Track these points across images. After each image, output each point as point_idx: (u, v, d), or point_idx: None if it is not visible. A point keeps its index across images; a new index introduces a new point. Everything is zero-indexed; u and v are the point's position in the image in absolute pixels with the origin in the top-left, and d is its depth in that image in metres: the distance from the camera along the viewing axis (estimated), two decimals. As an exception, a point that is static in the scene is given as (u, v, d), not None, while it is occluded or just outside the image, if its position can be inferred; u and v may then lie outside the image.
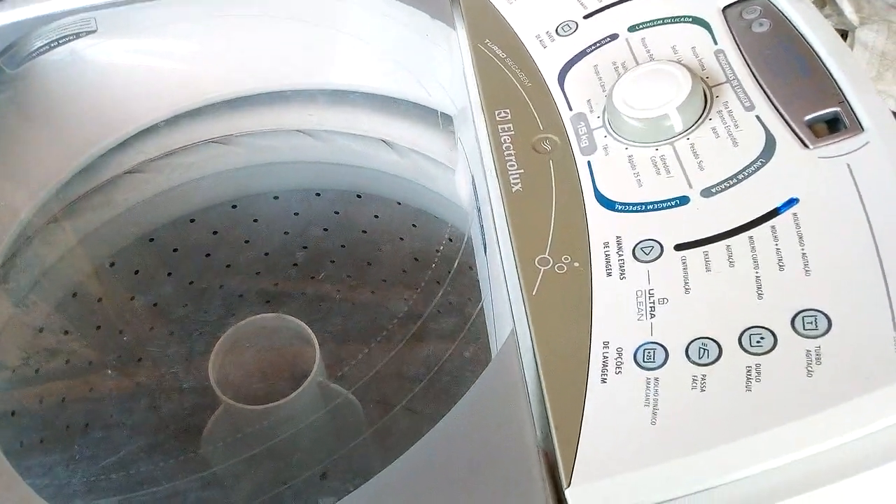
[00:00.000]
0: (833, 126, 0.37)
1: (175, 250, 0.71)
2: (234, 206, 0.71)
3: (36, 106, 0.54)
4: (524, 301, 0.36)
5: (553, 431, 0.31)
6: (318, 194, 0.72)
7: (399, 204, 0.70)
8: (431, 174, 0.60)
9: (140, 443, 0.50)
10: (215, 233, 0.72)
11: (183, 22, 0.55)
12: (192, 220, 0.70)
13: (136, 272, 0.68)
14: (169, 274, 0.72)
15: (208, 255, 0.73)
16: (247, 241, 0.75)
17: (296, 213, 0.74)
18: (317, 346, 0.52)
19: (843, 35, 1.02)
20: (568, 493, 0.29)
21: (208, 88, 0.59)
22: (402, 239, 0.74)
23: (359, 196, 0.71)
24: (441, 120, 0.55)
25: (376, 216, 0.72)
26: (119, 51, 0.56)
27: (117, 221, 0.62)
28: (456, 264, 0.50)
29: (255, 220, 0.73)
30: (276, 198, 0.72)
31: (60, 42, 0.53)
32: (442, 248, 0.58)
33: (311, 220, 0.75)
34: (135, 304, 0.67)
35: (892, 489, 0.28)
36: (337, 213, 0.73)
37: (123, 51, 0.56)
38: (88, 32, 0.54)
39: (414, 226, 0.71)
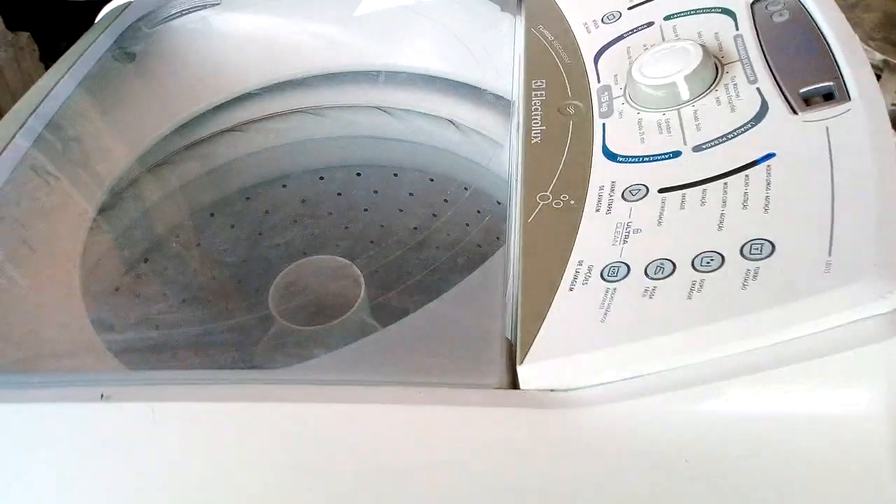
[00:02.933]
0: (829, 99, 0.40)
1: (266, 212, 0.80)
2: (321, 178, 0.80)
3: (163, 59, 0.65)
4: (520, 227, 0.41)
5: (518, 324, 0.36)
6: (395, 174, 0.79)
7: (466, 189, 0.76)
8: (489, 154, 0.66)
9: (206, 341, 0.58)
10: (303, 201, 0.81)
11: (288, 2, 0.65)
12: (284, 186, 0.79)
13: (232, 226, 0.78)
14: (259, 234, 0.81)
15: (295, 220, 0.82)
16: (330, 213, 0.83)
17: (375, 192, 0.82)
18: (363, 283, 0.58)
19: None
20: (519, 369, 0.34)
21: (306, 63, 0.68)
22: (467, 225, 0.80)
23: (431, 180, 0.78)
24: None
25: (445, 200, 0.79)
26: (236, 23, 0.66)
27: (218, 173, 0.72)
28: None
29: (339, 194, 0.82)
30: (358, 174, 0.80)
31: (191, 10, 0.64)
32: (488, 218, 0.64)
33: (389, 199, 0.82)
34: (224, 252, 0.76)
35: (803, 387, 0.30)
36: (412, 194, 0.80)
37: (239, 23, 0.66)
38: (213, 5, 0.65)
39: (478, 212, 0.77)
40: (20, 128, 0.56)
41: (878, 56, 1.09)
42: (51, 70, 0.62)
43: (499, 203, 0.62)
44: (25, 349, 0.42)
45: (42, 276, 0.51)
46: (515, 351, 0.35)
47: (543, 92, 0.49)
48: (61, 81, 0.59)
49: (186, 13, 0.65)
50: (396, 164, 0.77)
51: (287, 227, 0.80)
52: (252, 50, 0.66)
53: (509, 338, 0.36)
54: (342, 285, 0.61)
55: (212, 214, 0.76)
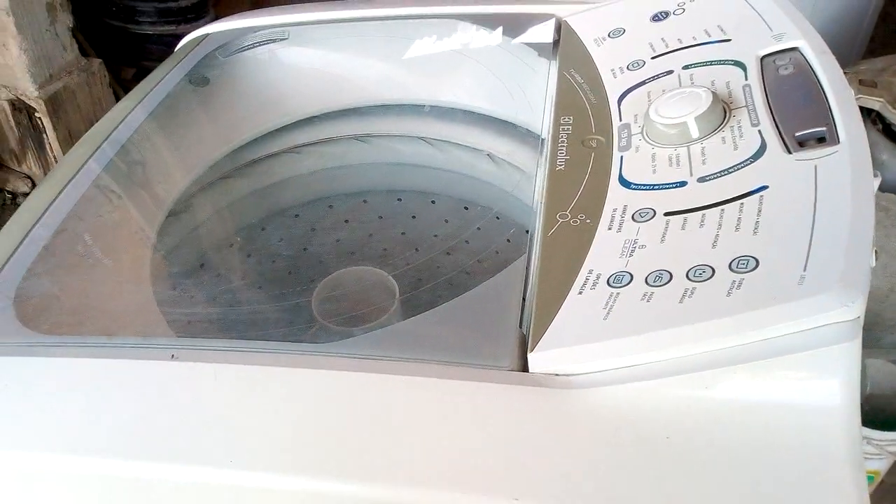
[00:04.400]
0: (821, 142, 0.45)
1: (313, 229, 0.86)
2: (364, 201, 0.87)
3: (234, 85, 0.72)
4: (540, 240, 0.46)
5: (532, 319, 0.41)
6: (433, 202, 0.86)
7: (498, 218, 0.82)
8: (522, 185, 0.72)
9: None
10: (347, 221, 0.88)
11: (347, 39, 0.72)
12: (331, 206, 0.86)
13: (280, 240, 0.85)
14: (304, 249, 0.87)
15: (338, 240, 0.88)
16: (371, 235, 0.89)
17: (413, 217, 0.88)
18: (397, 292, 0.64)
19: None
20: (530, 356, 0.39)
21: (360, 94, 0.75)
22: (497, 253, 0.85)
23: (466, 208, 0.84)
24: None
25: (478, 228, 0.85)
26: (300, 56, 0.74)
27: (272, 190, 0.79)
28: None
29: (380, 217, 0.88)
30: (399, 199, 0.87)
31: (261, 44, 0.72)
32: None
33: (427, 225, 0.88)
34: (276, 259, 0.83)
35: (775, 379, 0.35)
36: (447, 221, 0.86)
37: (303, 56, 0.74)
38: (281, 39, 0.72)
39: (508, 241, 0.82)
40: (96, 150, 0.61)
41: (905, 119, 1.13)
42: (131, 93, 0.70)
43: (527, 232, 0.67)
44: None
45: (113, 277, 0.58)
46: (528, 341, 0.40)
47: (570, 127, 0.55)
48: (138, 106, 0.66)
49: (257, 46, 0.73)
50: (435, 192, 0.83)
51: (330, 244, 0.87)
52: (312, 80, 0.74)
53: (523, 330, 0.41)
54: (378, 294, 0.67)
55: (263, 228, 0.83)
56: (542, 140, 0.56)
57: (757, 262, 0.38)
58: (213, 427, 0.38)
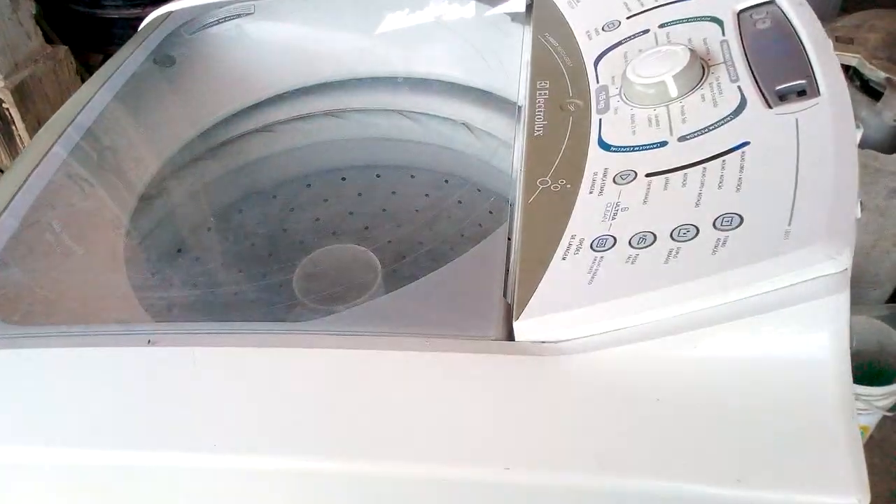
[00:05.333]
0: (802, 95, 0.44)
1: (291, 209, 0.85)
2: (343, 179, 0.85)
3: (201, 63, 0.70)
4: (521, 207, 0.45)
5: (516, 287, 0.40)
6: (412, 176, 0.84)
7: (479, 190, 0.81)
8: (501, 155, 0.71)
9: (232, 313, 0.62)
10: (326, 200, 0.86)
11: (316, 12, 0.70)
12: (308, 185, 0.84)
13: (258, 221, 0.83)
14: (284, 229, 0.86)
15: (318, 219, 0.87)
16: (351, 213, 0.88)
17: (393, 192, 0.87)
18: (379, 268, 0.63)
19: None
20: (515, 324, 0.38)
21: (333, 68, 0.73)
22: (480, 225, 0.84)
23: (446, 181, 0.83)
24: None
25: (459, 201, 0.84)
26: (268, 30, 0.72)
27: (247, 171, 0.77)
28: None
29: (360, 194, 0.87)
30: (378, 175, 0.85)
31: (227, 19, 0.70)
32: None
33: (407, 201, 0.87)
34: (254, 241, 0.82)
35: (762, 335, 0.35)
36: (427, 195, 0.85)
37: (271, 31, 0.72)
38: (247, 14, 0.70)
39: (490, 212, 0.81)
40: (59, 136, 0.58)
41: (882, 74, 1.12)
42: (94, 76, 0.67)
43: (508, 202, 0.66)
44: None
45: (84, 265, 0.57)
46: (513, 310, 0.39)
47: (547, 91, 0.54)
48: (102, 88, 0.64)
49: (223, 21, 0.71)
50: (414, 166, 0.82)
51: (310, 223, 0.86)
52: (282, 55, 0.72)
53: (507, 299, 0.41)
54: (360, 270, 0.66)
55: (240, 210, 0.81)
56: (520, 107, 0.55)
57: (741, 218, 0.38)
58: (195, 411, 0.37)
